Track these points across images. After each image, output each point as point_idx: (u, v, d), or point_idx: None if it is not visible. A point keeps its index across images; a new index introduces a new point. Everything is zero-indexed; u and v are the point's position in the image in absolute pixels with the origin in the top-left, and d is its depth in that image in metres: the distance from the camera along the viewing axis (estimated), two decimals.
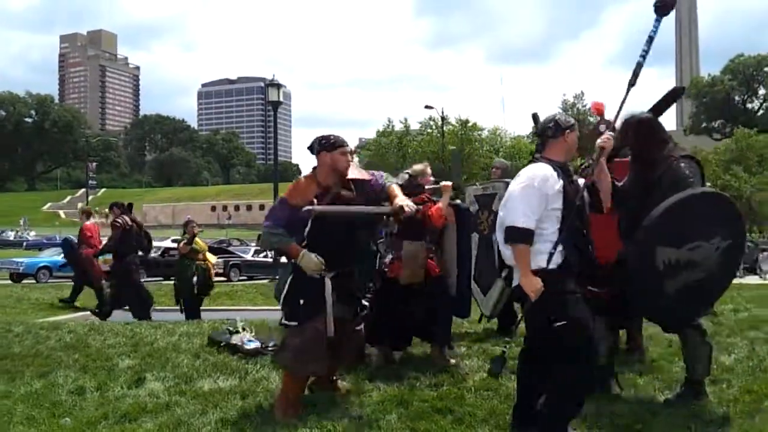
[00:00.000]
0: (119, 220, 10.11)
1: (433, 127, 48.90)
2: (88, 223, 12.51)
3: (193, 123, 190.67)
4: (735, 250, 4.03)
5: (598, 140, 3.82)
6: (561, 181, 3.57)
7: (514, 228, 3.47)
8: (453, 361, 5.55)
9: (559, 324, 3.47)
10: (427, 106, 44.71)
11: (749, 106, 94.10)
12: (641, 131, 4.39)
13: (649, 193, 4.13)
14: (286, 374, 4.29)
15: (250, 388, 4.84)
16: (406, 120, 52.15)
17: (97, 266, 11.22)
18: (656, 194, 4.06)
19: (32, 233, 59.66)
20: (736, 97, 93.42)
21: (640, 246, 3.88)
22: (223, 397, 4.58)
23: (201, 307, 10.34)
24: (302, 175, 4.60)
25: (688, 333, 4.33)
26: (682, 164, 4.21)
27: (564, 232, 3.54)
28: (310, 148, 4.40)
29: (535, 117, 5.08)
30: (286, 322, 4.22)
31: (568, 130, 3.73)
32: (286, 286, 4.24)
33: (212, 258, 10.87)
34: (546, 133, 3.76)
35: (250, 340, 6.24)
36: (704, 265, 3.89)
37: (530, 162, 3.81)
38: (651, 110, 4.70)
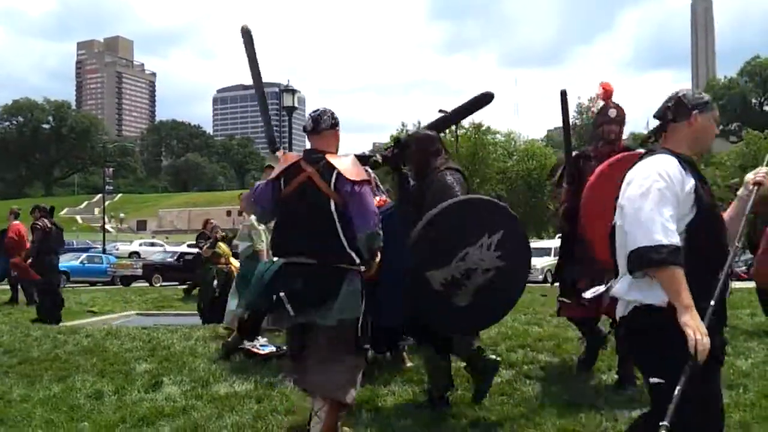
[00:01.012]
0: (39, 223, 10.59)
1: (446, 131, 48.89)
2: (15, 222, 12.38)
3: (209, 129, 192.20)
4: (513, 237, 4.06)
5: (753, 175, 2.82)
6: (692, 180, 2.60)
7: (656, 247, 2.42)
8: None
9: (654, 381, 2.58)
10: (440, 111, 44.63)
11: (766, 108, 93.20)
12: (423, 145, 4.52)
13: (421, 204, 4.26)
14: (336, 408, 3.51)
15: (266, 392, 4.87)
16: (419, 123, 52.15)
17: (30, 271, 11.16)
18: (425, 205, 4.17)
19: None
20: (753, 100, 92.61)
21: (413, 274, 3.93)
22: (239, 401, 4.61)
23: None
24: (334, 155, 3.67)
25: (425, 349, 4.42)
26: (447, 174, 4.31)
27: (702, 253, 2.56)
28: (317, 122, 3.64)
29: (563, 93, 5.03)
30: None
31: (696, 111, 2.74)
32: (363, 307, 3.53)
33: (236, 263, 10.91)
34: (666, 115, 2.79)
35: (263, 345, 6.28)
36: (484, 266, 3.95)
37: (640, 156, 2.83)
38: (450, 114, 4.84)
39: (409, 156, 4.62)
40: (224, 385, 5.09)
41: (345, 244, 3.44)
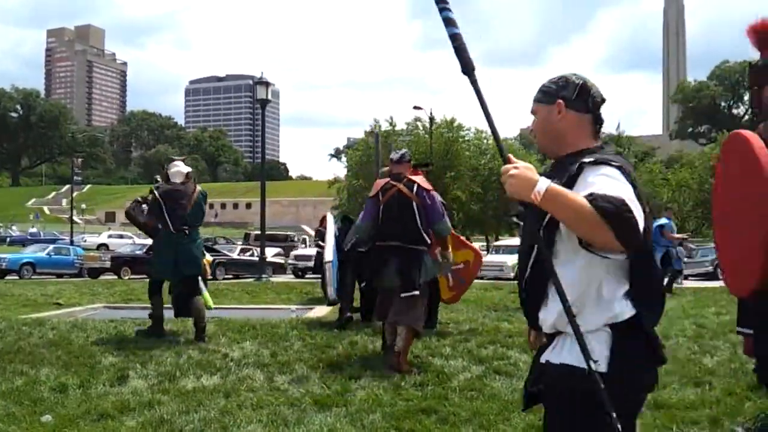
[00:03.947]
0: None
1: (421, 128, 48.89)
2: None
3: (181, 120, 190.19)
4: None
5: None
6: None
7: None
8: None
9: None
10: (415, 107, 44.65)
11: (735, 111, 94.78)
12: None
13: None
14: (412, 333, 5.50)
15: (234, 386, 4.82)
16: (391, 119, 52.09)
17: None
18: None
19: (15, 229, 59.23)
20: (722, 103, 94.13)
21: None
22: (207, 396, 4.55)
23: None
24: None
25: None
26: None
27: None
28: (403, 157, 5.91)
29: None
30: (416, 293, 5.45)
31: None
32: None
33: (208, 256, 10.80)
34: None
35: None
36: None
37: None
38: None
39: None
40: (191, 380, 5.02)
41: (421, 230, 5.53)
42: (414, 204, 5.49)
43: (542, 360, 2.01)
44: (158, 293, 7.15)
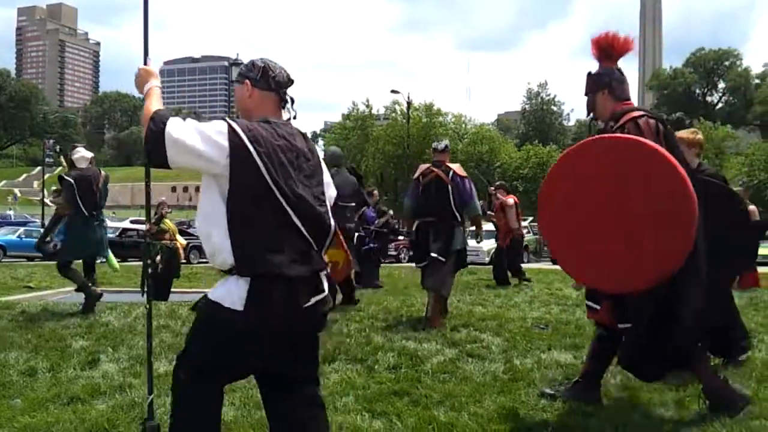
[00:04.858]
0: None
1: (398, 111, 48.84)
2: None
3: None
4: None
5: None
6: None
7: None
8: None
9: None
10: (393, 91, 44.62)
11: (709, 99, 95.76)
12: None
13: None
14: (438, 298, 6.78)
15: None
16: (368, 101, 51.98)
17: None
18: None
19: None
20: (697, 90, 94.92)
21: None
22: None
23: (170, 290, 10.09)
24: None
25: None
26: None
27: None
28: (447, 148, 7.22)
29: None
30: (442, 259, 6.67)
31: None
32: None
33: (182, 240, 10.76)
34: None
35: None
36: None
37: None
38: None
39: None
40: (164, 363, 4.99)
41: (454, 210, 6.74)
42: (449, 187, 6.68)
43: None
44: (69, 267, 7.44)
